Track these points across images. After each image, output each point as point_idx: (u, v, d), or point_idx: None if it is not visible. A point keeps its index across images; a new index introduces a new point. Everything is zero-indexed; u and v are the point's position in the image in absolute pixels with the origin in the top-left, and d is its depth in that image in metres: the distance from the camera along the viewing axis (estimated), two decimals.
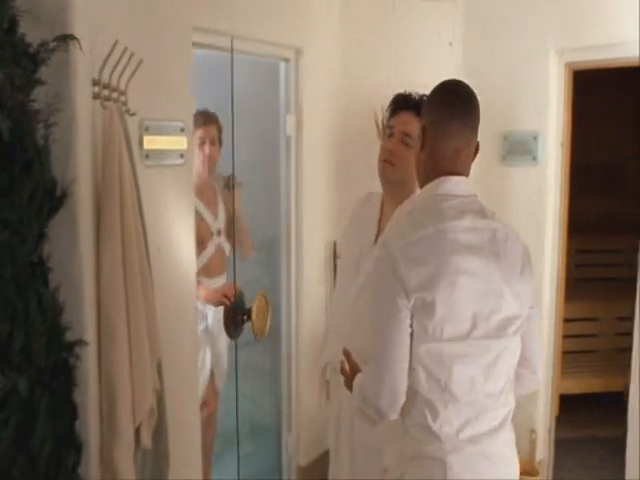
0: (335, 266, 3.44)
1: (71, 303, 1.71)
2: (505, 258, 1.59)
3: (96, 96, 1.79)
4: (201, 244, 2.94)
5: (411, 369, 1.54)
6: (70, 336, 1.70)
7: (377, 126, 3.20)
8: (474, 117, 1.64)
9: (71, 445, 1.68)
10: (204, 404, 3.03)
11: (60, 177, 1.69)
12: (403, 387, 1.54)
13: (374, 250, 2.02)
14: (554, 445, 3.61)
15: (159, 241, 2.22)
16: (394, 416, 1.57)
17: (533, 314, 1.67)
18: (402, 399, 1.55)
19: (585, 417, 4.31)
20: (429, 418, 1.54)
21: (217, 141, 3.04)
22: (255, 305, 2.90)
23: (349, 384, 1.72)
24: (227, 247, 3.12)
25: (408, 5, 3.47)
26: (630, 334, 4.64)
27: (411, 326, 1.53)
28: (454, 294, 1.52)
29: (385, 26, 3.44)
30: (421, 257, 1.53)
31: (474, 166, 3.79)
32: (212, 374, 3.10)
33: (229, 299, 2.90)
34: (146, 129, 2.25)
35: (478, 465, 1.57)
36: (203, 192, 3.01)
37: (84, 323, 1.74)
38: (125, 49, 1.81)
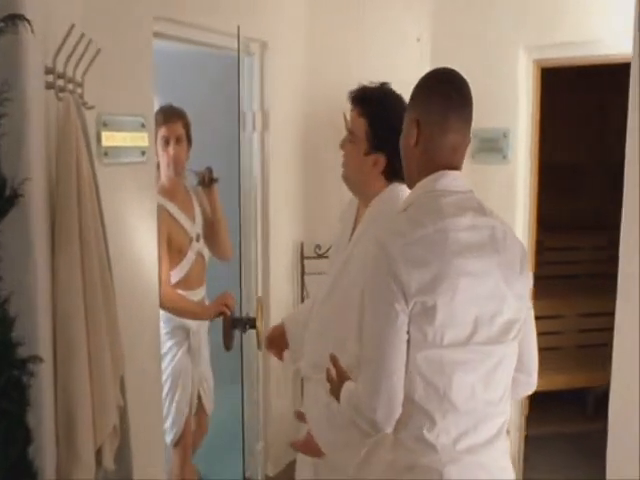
0: (303, 267, 3.31)
1: (24, 315, 1.53)
2: (505, 257, 1.51)
3: (50, 86, 1.61)
4: (179, 252, 2.73)
5: (407, 378, 1.44)
6: (23, 352, 1.52)
7: (347, 126, 3.08)
8: (470, 109, 1.55)
9: (25, 473, 1.51)
10: (197, 429, 2.89)
11: (10, 175, 1.50)
12: (401, 397, 1.44)
13: (348, 248, 1.99)
14: (524, 442, 3.62)
15: (119, 246, 2.06)
16: (390, 429, 1.47)
17: (530, 315, 1.60)
18: (399, 410, 1.45)
19: (550, 414, 4.31)
20: (425, 428, 1.45)
21: (184, 139, 2.77)
22: (257, 312, 2.72)
23: (336, 392, 1.61)
24: (207, 253, 2.90)
25: None
26: (593, 330, 4.72)
27: (408, 332, 1.43)
28: (456, 297, 1.43)
29: (352, 20, 3.35)
30: (421, 258, 1.43)
31: None
32: (199, 397, 2.89)
33: (229, 308, 2.68)
34: (104, 124, 2.11)
35: (475, 475, 1.49)
36: (175, 194, 2.78)
37: (38, 337, 1.56)
38: (82, 35, 1.65)
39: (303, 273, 3.32)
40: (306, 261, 3.31)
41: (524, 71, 3.35)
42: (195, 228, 2.82)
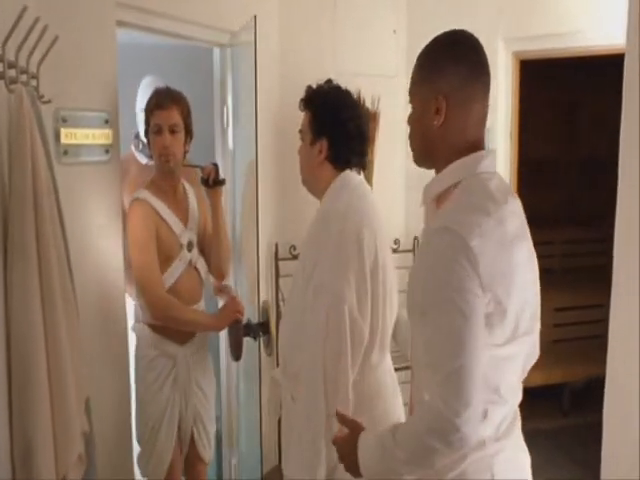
0: (277, 268, 3.16)
1: None
2: (529, 242, 1.44)
3: None
4: (165, 261, 2.33)
5: None
6: None
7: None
8: (489, 75, 1.43)
9: None
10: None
11: None
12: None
13: (302, 247, 1.99)
14: None
15: (81, 254, 1.89)
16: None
17: None
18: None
19: (526, 411, 4.28)
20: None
21: (180, 129, 2.37)
22: (269, 316, 2.54)
23: (351, 455, 1.43)
24: (203, 266, 2.50)
25: None
26: (568, 325, 4.70)
27: None
28: (512, 291, 1.33)
29: (326, 11, 3.21)
30: (491, 249, 1.30)
31: None
32: (193, 440, 2.45)
33: (242, 314, 2.41)
34: (64, 120, 1.95)
35: (519, 458, 1.48)
36: (166, 191, 2.40)
37: None
38: (36, 20, 1.48)
39: (278, 275, 3.18)
40: (281, 262, 3.16)
41: (503, 63, 3.28)
42: (187, 234, 2.42)
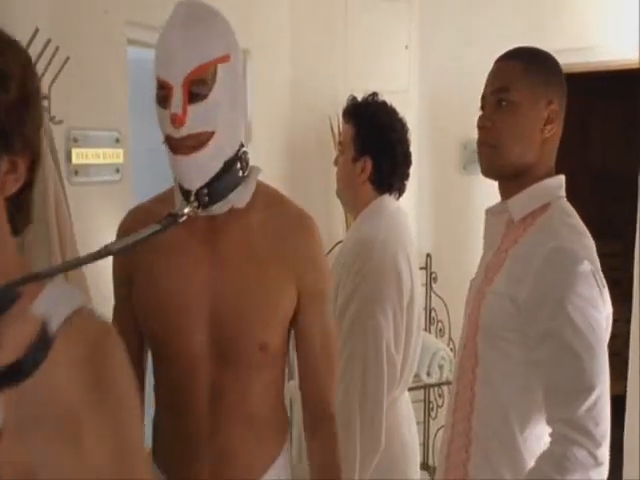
0: None
1: None
2: None
3: None
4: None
5: None
6: None
7: (333, 135, 2.93)
8: None
9: None
10: None
11: None
12: None
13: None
14: None
15: (92, 275, 1.86)
16: None
17: None
18: None
19: None
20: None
21: None
22: None
23: None
24: None
25: (361, 6, 3.24)
26: None
27: None
28: None
29: (338, 27, 3.20)
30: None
31: (435, 175, 3.59)
32: None
33: None
34: (75, 140, 1.94)
35: None
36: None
37: None
38: (48, 41, 1.47)
39: None
40: None
41: None
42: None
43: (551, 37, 3.12)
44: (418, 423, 2.61)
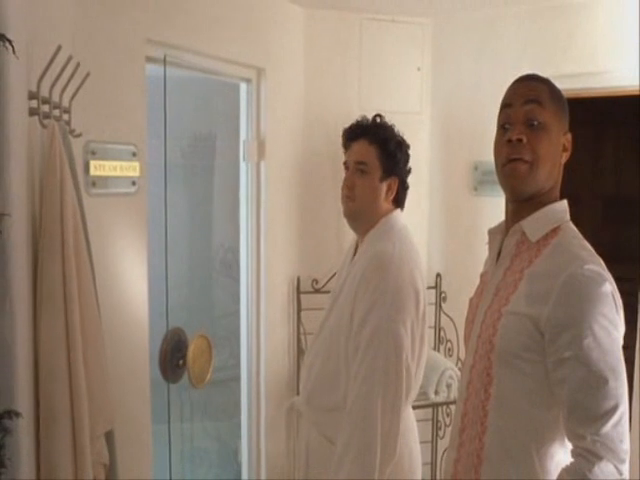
0: (299, 302, 3.15)
1: None
2: None
3: (33, 112, 1.47)
4: None
5: None
6: None
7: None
8: None
9: None
10: None
11: None
12: None
13: (339, 282, 2.01)
14: None
15: (108, 286, 1.90)
16: None
17: None
18: None
19: None
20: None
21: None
22: (192, 348, 2.48)
23: None
24: None
25: (375, 27, 3.29)
26: None
27: None
28: None
29: (351, 48, 3.25)
30: None
31: (446, 196, 3.60)
32: None
33: None
34: (93, 153, 1.98)
35: None
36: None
37: (16, 390, 1.39)
38: (69, 58, 1.51)
39: (300, 309, 3.17)
40: (303, 296, 3.15)
41: None
42: None
43: (564, 61, 3.15)
44: (426, 442, 2.60)
